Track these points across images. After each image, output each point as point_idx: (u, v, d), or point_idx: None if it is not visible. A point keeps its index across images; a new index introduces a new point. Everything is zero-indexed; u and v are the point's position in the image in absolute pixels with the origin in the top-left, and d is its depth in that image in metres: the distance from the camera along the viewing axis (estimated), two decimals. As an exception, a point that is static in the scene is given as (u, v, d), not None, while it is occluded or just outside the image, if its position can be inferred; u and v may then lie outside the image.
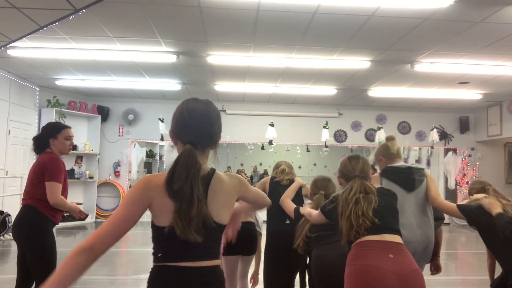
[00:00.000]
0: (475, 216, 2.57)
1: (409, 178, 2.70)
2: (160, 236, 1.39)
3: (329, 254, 2.47)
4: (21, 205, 3.14)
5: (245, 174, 14.39)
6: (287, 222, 3.02)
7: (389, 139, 2.94)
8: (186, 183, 1.35)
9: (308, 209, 2.71)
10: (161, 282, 1.38)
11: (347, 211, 2.16)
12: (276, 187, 3.28)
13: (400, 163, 2.82)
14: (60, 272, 1.22)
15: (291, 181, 3.30)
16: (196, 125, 1.46)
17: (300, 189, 3.28)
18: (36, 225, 2.98)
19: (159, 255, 1.40)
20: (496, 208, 2.48)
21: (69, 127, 3.20)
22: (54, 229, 3.21)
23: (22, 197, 3.18)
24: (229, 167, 15.36)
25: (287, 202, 3.05)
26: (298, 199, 3.21)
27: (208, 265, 1.41)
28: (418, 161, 11.04)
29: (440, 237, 3.04)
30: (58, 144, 3.09)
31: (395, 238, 2.10)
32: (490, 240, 2.63)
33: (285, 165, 3.51)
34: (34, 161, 3.34)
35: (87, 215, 3.24)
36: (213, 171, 1.49)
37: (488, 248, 2.81)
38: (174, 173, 1.36)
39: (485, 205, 2.54)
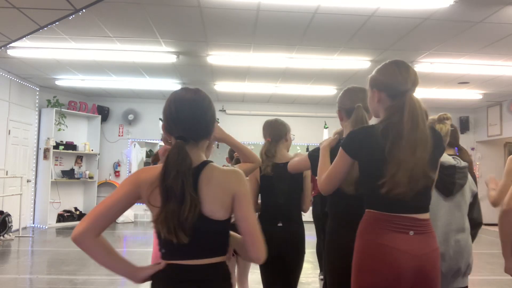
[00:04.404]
0: None
1: (449, 181, 2.09)
2: (160, 233, 1.35)
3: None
4: None
5: None
6: (280, 224, 2.59)
7: (440, 120, 2.21)
8: (176, 182, 1.27)
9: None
10: (164, 279, 1.37)
11: (414, 154, 1.54)
12: (265, 182, 2.66)
13: (445, 158, 2.09)
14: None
15: (281, 166, 2.59)
16: (185, 117, 1.36)
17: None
18: None
19: (162, 251, 1.38)
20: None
21: None
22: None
23: None
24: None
25: (294, 160, 2.50)
26: (296, 181, 2.63)
27: (208, 262, 1.35)
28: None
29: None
30: None
31: (423, 216, 1.63)
32: None
33: (272, 135, 2.73)
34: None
35: None
36: (205, 163, 1.37)
37: None
38: (165, 171, 1.29)
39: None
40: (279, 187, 2.60)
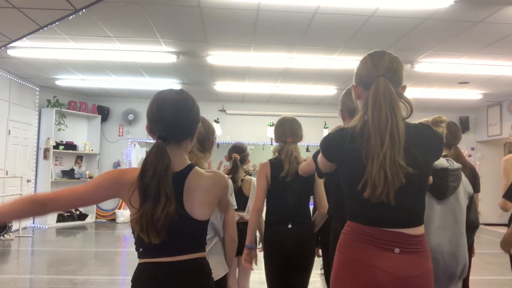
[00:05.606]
0: None
1: (441, 184, 2.01)
2: (135, 231, 1.36)
3: None
4: None
5: None
6: (289, 226, 2.50)
7: (434, 123, 2.14)
8: (152, 181, 1.28)
9: None
10: (144, 279, 1.36)
11: (383, 147, 1.35)
12: (276, 183, 2.53)
13: (439, 160, 1.99)
14: (9, 205, 1.30)
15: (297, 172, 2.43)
16: (167, 117, 1.36)
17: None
18: None
19: (140, 250, 1.37)
20: None
21: None
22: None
23: None
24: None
25: (303, 164, 2.26)
26: (307, 182, 2.51)
27: (187, 258, 1.36)
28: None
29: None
30: None
31: (414, 231, 1.41)
32: None
33: (293, 136, 2.58)
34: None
35: None
36: (189, 168, 1.38)
37: None
38: (143, 170, 1.30)
39: None
40: (291, 188, 2.50)
